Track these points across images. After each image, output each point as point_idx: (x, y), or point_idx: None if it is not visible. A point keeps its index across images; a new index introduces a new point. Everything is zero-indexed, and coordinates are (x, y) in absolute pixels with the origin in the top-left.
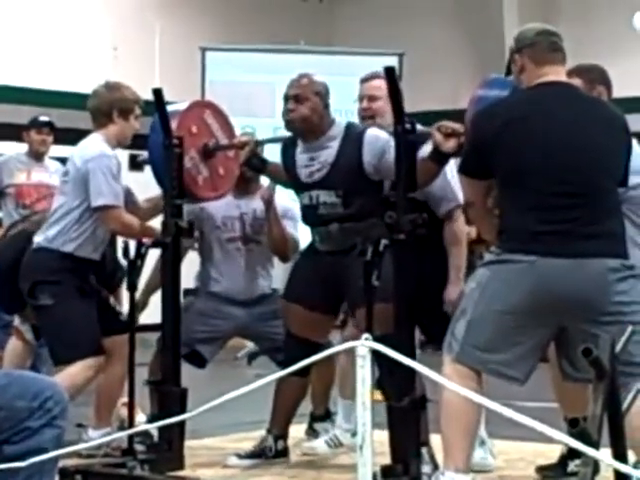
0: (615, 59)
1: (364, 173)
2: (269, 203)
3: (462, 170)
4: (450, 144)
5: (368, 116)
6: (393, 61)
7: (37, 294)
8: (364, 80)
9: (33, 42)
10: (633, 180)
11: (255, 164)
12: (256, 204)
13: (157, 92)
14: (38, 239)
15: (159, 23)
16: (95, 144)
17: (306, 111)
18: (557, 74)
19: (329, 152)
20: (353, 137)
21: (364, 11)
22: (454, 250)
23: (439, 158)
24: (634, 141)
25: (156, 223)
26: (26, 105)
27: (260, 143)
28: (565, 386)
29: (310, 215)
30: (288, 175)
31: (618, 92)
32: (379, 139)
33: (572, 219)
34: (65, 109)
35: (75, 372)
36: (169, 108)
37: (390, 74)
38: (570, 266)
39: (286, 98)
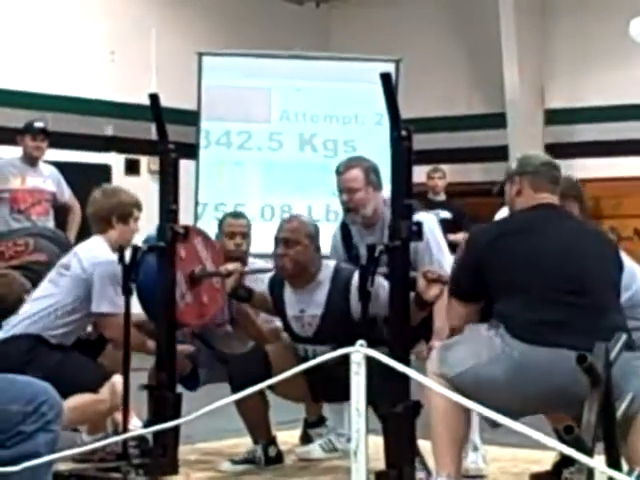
0: (612, 68)
1: (354, 320)
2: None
3: (454, 294)
4: (433, 292)
5: (352, 208)
6: (389, 67)
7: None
8: (340, 172)
9: (29, 45)
10: (624, 295)
11: (241, 294)
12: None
13: (153, 97)
14: (12, 330)
15: (156, 27)
16: (102, 249)
17: (297, 256)
18: (551, 200)
19: (318, 302)
20: (341, 283)
21: (360, 17)
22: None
23: (421, 305)
24: (624, 255)
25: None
26: (22, 109)
27: (245, 273)
28: None
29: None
30: (278, 316)
31: (615, 100)
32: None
33: (580, 315)
34: (61, 113)
35: (92, 399)
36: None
37: (386, 80)
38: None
39: (276, 241)
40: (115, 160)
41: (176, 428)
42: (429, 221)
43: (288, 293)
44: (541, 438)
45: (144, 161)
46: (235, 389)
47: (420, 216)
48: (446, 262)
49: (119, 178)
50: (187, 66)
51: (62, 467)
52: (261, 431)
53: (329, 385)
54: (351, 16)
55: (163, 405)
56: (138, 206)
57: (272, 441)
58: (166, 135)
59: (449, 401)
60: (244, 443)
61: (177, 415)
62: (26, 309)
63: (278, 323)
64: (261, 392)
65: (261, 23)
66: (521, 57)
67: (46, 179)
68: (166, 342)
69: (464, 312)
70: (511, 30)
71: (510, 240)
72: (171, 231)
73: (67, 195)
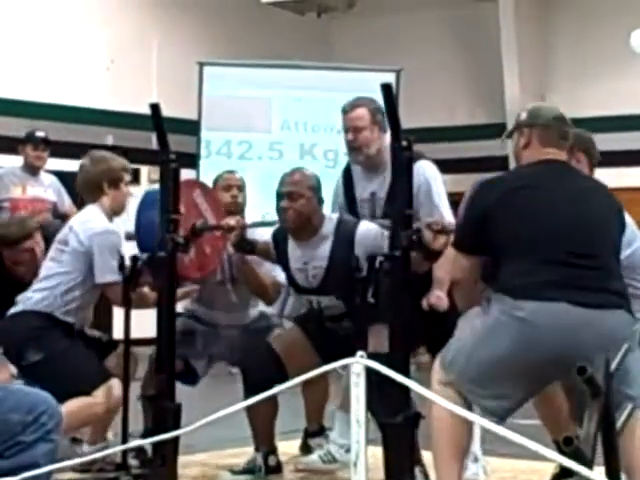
0: (612, 79)
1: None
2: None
3: (456, 246)
4: (439, 242)
5: (356, 147)
6: (390, 77)
7: (24, 355)
8: (346, 111)
9: (30, 55)
10: (625, 252)
11: (244, 247)
12: None
13: (154, 107)
14: (20, 305)
15: (156, 37)
16: (98, 219)
17: (301, 208)
18: (559, 156)
19: (322, 255)
20: (345, 236)
21: (361, 27)
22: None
23: (428, 256)
24: (626, 215)
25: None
26: (23, 118)
27: (247, 227)
28: (546, 409)
29: (316, 318)
30: (282, 269)
31: (616, 110)
32: (369, 235)
33: (581, 276)
34: (61, 122)
35: (89, 402)
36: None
37: (387, 91)
38: (580, 317)
39: (279, 196)
40: None
41: (176, 438)
42: (430, 169)
43: (292, 247)
44: (540, 449)
45: (144, 171)
46: (249, 390)
47: (421, 163)
48: (446, 211)
49: None
50: (188, 76)
51: (61, 477)
52: (265, 438)
53: (337, 345)
54: (352, 26)
55: (163, 415)
56: (127, 170)
57: (273, 450)
58: (167, 145)
59: (451, 413)
60: (244, 452)
61: (177, 425)
62: (35, 287)
63: (279, 278)
64: (273, 397)
65: (262, 33)
66: (522, 68)
67: (47, 188)
68: (166, 348)
69: (467, 265)
70: (512, 41)
71: (518, 197)
72: (172, 242)
73: (67, 205)
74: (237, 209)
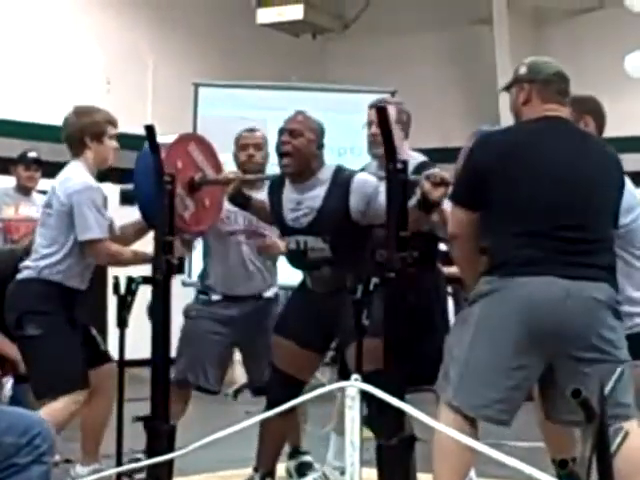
0: (607, 102)
1: (351, 219)
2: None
3: (453, 198)
4: (438, 193)
5: (374, 141)
6: (397, 100)
7: (24, 324)
8: (372, 106)
9: (25, 75)
10: (625, 218)
11: (239, 201)
12: (262, 196)
13: (149, 129)
14: (25, 271)
15: (152, 58)
16: (78, 175)
17: (300, 145)
18: (559, 112)
19: (316, 196)
20: (341, 182)
21: (356, 48)
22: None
23: (426, 207)
24: (627, 179)
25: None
26: (17, 138)
27: (246, 180)
28: (551, 427)
29: (299, 260)
30: (274, 215)
31: (611, 133)
32: (367, 185)
33: (569, 250)
34: (57, 143)
35: (60, 407)
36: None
37: (382, 113)
38: (566, 288)
39: (281, 131)
40: (110, 190)
41: (170, 460)
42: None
43: (287, 191)
44: (535, 473)
45: None
46: (270, 407)
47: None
48: None
49: (114, 208)
50: (183, 96)
51: None
52: (268, 459)
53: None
54: (347, 48)
55: (157, 437)
56: (111, 123)
57: (271, 473)
58: (162, 166)
59: (454, 440)
60: (238, 474)
61: (171, 447)
62: (35, 256)
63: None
64: (291, 418)
65: (257, 54)
66: None
67: (39, 208)
68: (161, 370)
69: (464, 219)
70: (506, 62)
71: (518, 157)
72: (167, 263)
73: None
74: (253, 168)
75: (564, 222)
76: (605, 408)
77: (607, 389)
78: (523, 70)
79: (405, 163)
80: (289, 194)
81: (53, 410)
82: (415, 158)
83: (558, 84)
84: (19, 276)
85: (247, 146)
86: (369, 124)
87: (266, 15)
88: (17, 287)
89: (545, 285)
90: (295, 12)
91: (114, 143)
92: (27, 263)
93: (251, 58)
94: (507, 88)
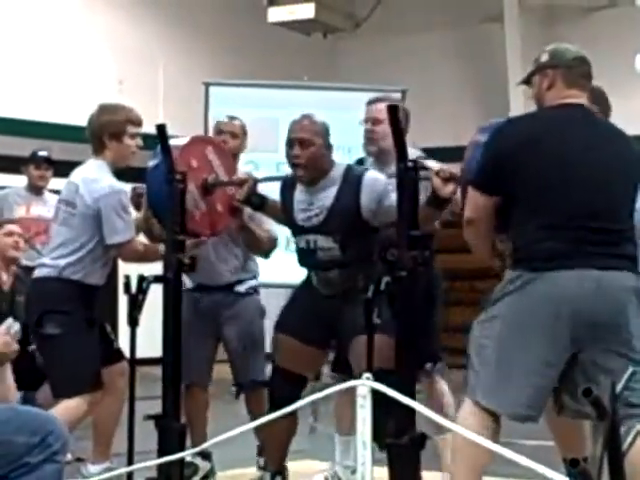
0: (617, 100)
1: (362, 218)
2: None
3: (473, 183)
4: (449, 189)
5: (372, 138)
6: (396, 97)
7: (44, 323)
8: (370, 103)
9: (37, 75)
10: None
11: (254, 202)
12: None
13: (160, 128)
14: (43, 269)
15: (163, 57)
16: (103, 178)
17: (312, 155)
18: (580, 98)
19: (327, 196)
20: (352, 181)
21: (368, 47)
22: None
23: (438, 203)
24: None
25: None
26: (29, 138)
27: (259, 181)
28: (561, 426)
29: (308, 259)
30: (285, 215)
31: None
32: (377, 184)
33: (595, 241)
34: (68, 142)
35: (73, 406)
36: (171, 141)
37: (393, 112)
38: (597, 279)
39: (290, 143)
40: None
41: (181, 459)
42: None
43: (299, 191)
44: (547, 472)
45: None
46: (274, 405)
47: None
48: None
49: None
50: (194, 96)
51: None
52: (276, 457)
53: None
54: (358, 47)
55: (168, 435)
56: (132, 122)
57: (281, 471)
58: (173, 164)
59: (472, 442)
60: (248, 473)
61: (182, 446)
62: (54, 254)
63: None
64: (293, 414)
65: (268, 53)
66: (527, 89)
67: (51, 208)
68: (172, 368)
69: (481, 204)
70: (517, 61)
71: (540, 145)
72: (177, 262)
73: None
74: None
75: (588, 212)
76: (617, 407)
77: (618, 388)
78: (545, 57)
79: (415, 162)
80: (300, 195)
81: (66, 409)
82: (411, 154)
83: (582, 67)
84: (37, 274)
85: (221, 132)
86: (366, 120)
87: (277, 14)
88: (36, 286)
89: (576, 279)
90: (306, 11)
91: (136, 142)
92: (44, 261)
93: (262, 57)
94: (528, 78)
